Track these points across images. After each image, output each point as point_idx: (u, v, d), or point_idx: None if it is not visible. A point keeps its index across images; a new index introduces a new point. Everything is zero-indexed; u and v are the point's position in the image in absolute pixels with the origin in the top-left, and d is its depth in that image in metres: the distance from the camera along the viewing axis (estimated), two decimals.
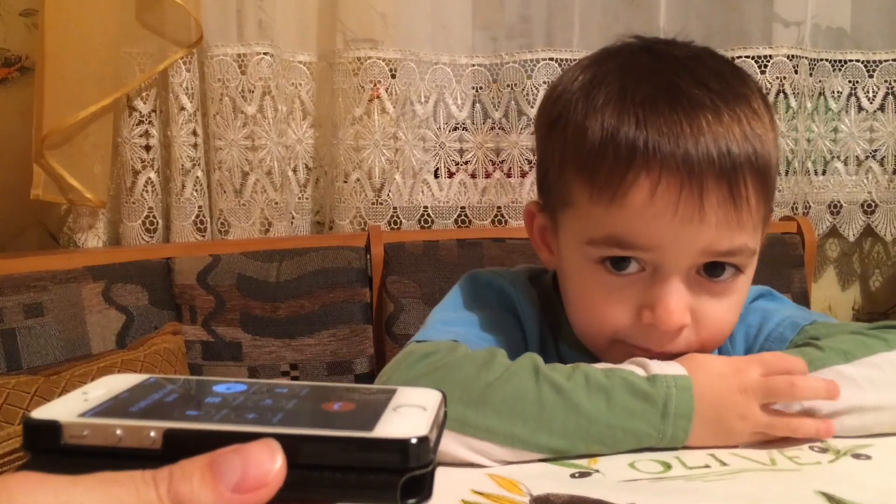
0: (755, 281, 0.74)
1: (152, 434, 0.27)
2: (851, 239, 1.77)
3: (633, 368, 0.62)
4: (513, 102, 1.64)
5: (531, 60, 1.62)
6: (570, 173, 0.67)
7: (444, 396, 0.32)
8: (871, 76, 1.74)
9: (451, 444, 0.58)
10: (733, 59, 1.66)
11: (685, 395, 0.59)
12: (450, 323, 0.72)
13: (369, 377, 1.42)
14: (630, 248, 0.64)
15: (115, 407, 0.29)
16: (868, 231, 1.78)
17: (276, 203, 1.54)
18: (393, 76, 1.58)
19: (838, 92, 1.74)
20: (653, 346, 0.66)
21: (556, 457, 0.60)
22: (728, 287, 0.66)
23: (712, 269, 0.65)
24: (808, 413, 0.61)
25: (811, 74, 1.70)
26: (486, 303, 0.76)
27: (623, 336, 0.67)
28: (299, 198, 1.62)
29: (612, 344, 0.68)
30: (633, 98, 0.64)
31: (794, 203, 1.69)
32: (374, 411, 0.29)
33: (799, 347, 0.68)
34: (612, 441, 0.59)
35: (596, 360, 0.69)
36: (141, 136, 1.48)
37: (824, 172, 1.76)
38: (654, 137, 0.61)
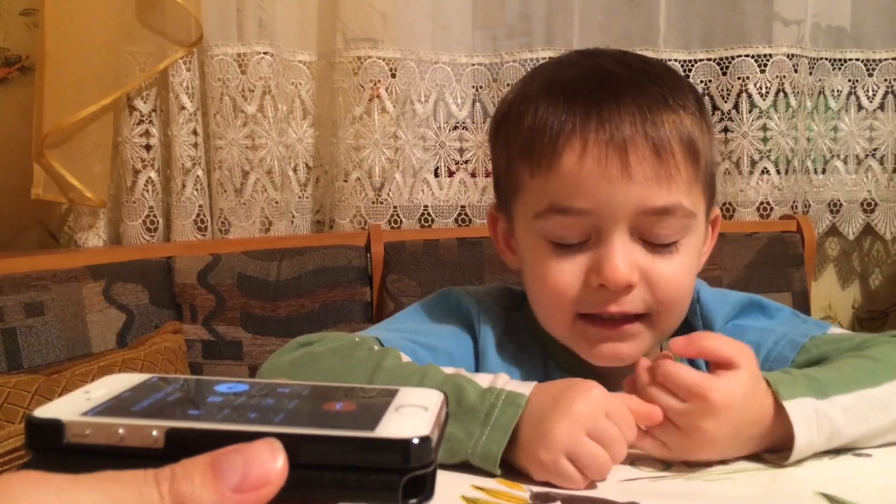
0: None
1: (154, 433, 0.28)
2: (851, 237, 1.77)
3: (482, 378, 0.61)
4: None
5: (531, 60, 1.62)
6: (514, 160, 0.72)
7: (446, 397, 0.32)
8: (870, 75, 1.73)
9: None
10: (733, 58, 1.66)
11: (510, 410, 0.57)
12: (393, 330, 0.75)
13: None
14: (570, 213, 0.67)
15: (117, 406, 0.29)
16: (868, 230, 1.78)
17: (277, 202, 1.55)
18: (393, 75, 1.58)
19: (838, 91, 1.74)
20: (610, 308, 0.68)
21: None
22: (673, 250, 0.69)
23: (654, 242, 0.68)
24: (834, 437, 0.60)
25: (811, 73, 1.70)
26: (442, 318, 0.79)
27: (580, 306, 0.69)
28: (299, 197, 1.62)
29: (573, 322, 0.70)
30: (562, 81, 0.70)
31: (794, 202, 1.69)
32: (375, 411, 0.29)
33: (813, 369, 0.66)
34: None
35: (591, 374, 0.69)
36: (141, 135, 1.48)
37: (824, 171, 1.76)
38: (580, 109, 0.67)
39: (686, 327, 0.75)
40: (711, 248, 0.78)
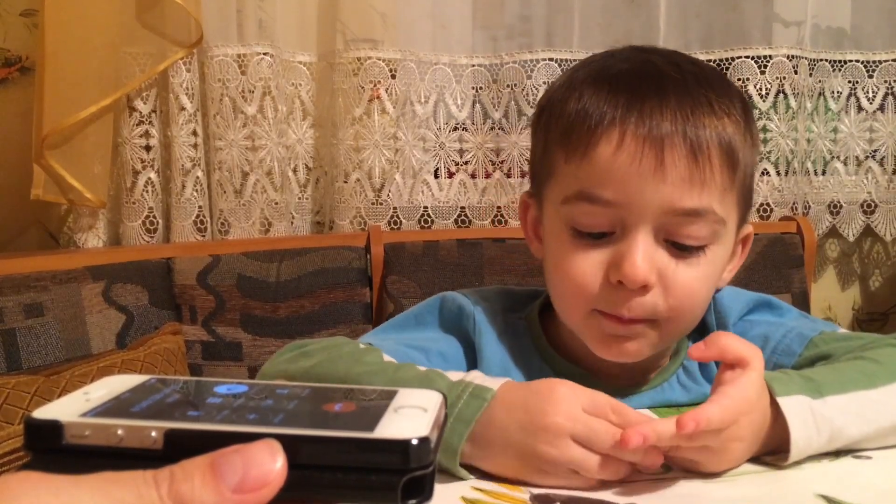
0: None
1: (153, 434, 0.28)
2: (851, 239, 1.77)
3: (454, 374, 0.61)
4: (513, 102, 1.64)
5: (531, 60, 1.62)
6: (551, 146, 0.72)
7: (445, 398, 0.32)
8: (870, 76, 1.74)
9: None
10: (733, 59, 1.66)
11: (475, 403, 0.56)
12: (388, 339, 0.75)
13: None
14: (598, 202, 0.67)
15: (116, 407, 0.29)
16: (868, 231, 1.78)
17: (276, 203, 1.55)
18: (393, 76, 1.58)
19: (838, 92, 1.74)
20: (622, 308, 0.67)
21: None
22: (699, 256, 0.67)
23: (682, 243, 0.67)
24: (836, 436, 0.59)
25: (811, 74, 1.70)
26: (437, 322, 0.79)
27: (595, 302, 0.68)
28: (299, 198, 1.62)
29: (587, 316, 0.70)
30: (609, 73, 0.70)
31: (794, 203, 1.69)
32: (374, 412, 0.29)
33: (809, 370, 0.66)
34: None
35: (586, 379, 0.68)
36: (141, 136, 1.48)
37: (824, 172, 1.76)
38: (623, 101, 0.66)
39: (700, 323, 0.74)
40: (738, 266, 0.75)
